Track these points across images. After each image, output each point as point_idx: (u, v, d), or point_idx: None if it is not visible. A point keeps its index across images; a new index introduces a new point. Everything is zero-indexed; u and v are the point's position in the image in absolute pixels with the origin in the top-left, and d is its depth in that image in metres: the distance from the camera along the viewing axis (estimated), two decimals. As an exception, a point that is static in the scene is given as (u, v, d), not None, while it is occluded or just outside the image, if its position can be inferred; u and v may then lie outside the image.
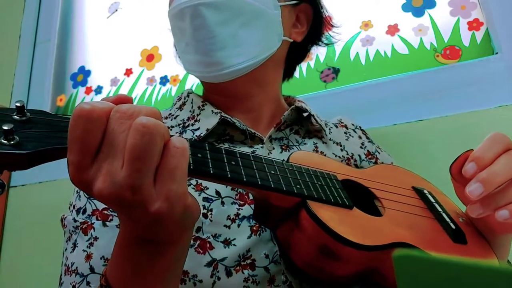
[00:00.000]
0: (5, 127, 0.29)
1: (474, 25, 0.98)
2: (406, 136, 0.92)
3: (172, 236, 0.36)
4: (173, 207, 0.32)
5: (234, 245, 0.50)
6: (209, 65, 0.60)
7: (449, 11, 1.01)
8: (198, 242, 0.50)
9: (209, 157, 0.37)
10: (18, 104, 0.31)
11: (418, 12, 1.03)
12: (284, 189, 0.42)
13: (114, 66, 1.33)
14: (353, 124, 0.78)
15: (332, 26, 0.77)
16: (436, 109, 0.91)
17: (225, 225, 0.51)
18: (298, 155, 0.51)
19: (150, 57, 1.29)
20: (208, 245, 0.50)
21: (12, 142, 0.30)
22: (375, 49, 1.04)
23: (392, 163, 0.75)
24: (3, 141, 0.30)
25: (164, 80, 1.25)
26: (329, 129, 0.71)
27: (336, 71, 1.06)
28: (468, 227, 0.53)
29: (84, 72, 1.37)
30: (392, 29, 1.04)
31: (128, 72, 1.30)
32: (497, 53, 0.93)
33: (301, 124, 0.69)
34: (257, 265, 0.49)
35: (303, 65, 1.08)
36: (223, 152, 0.40)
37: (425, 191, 0.58)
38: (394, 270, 0.19)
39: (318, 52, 1.08)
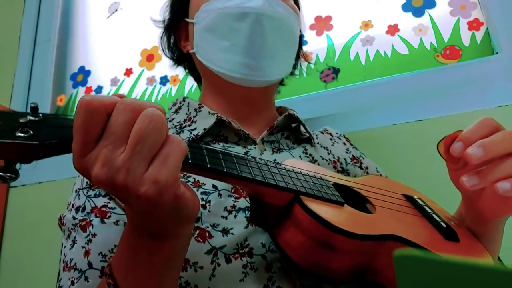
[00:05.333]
0: (21, 120, 0.34)
1: (474, 25, 0.98)
2: (406, 136, 0.92)
3: (168, 229, 0.38)
4: (161, 192, 0.34)
5: (232, 234, 0.52)
6: (254, 69, 0.65)
7: (449, 11, 1.01)
8: (197, 231, 0.52)
9: (206, 155, 0.40)
10: (32, 105, 0.35)
11: (418, 12, 1.03)
12: (277, 184, 0.43)
13: (114, 66, 1.33)
14: (337, 133, 0.82)
15: (307, 60, 0.88)
16: (436, 109, 0.91)
17: (222, 216, 0.53)
18: (290, 162, 0.53)
19: (150, 57, 1.29)
20: (207, 234, 0.52)
21: (26, 135, 0.34)
22: (375, 49, 1.04)
23: (376, 168, 0.77)
24: (19, 134, 0.33)
25: (164, 80, 1.25)
26: (316, 135, 0.75)
27: (336, 71, 1.06)
28: (460, 228, 0.54)
29: (84, 72, 1.37)
30: (392, 29, 1.04)
31: (128, 72, 1.30)
32: (497, 53, 0.93)
33: (291, 131, 0.73)
34: (254, 253, 0.51)
35: (303, 65, 1.08)
36: (219, 152, 0.42)
37: (415, 197, 0.60)
38: (395, 270, 0.19)
39: (318, 52, 1.08)
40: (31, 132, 0.34)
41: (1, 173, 0.34)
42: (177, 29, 0.77)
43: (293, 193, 0.44)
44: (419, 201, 0.59)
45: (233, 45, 0.64)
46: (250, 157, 0.45)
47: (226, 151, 0.43)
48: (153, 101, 1.24)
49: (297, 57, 0.82)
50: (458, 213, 0.60)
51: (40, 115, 0.35)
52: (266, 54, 0.64)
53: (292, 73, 0.82)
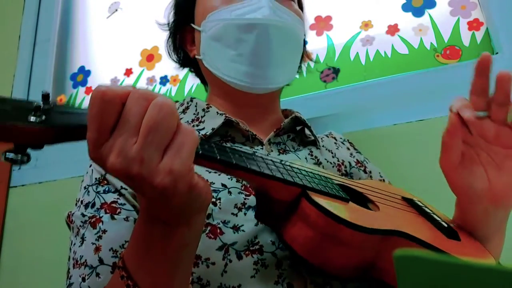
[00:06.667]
0: (34, 105, 0.34)
1: (474, 25, 0.98)
2: (406, 136, 0.92)
3: (181, 216, 0.39)
4: (176, 182, 0.34)
5: (242, 230, 0.53)
6: (258, 78, 0.66)
7: (449, 11, 1.01)
8: (209, 228, 0.52)
9: (214, 147, 0.41)
10: (44, 93, 0.36)
11: (418, 12, 1.03)
12: (284, 178, 0.44)
13: (114, 66, 1.33)
14: (341, 137, 0.82)
15: (310, 59, 0.89)
16: (436, 109, 0.91)
17: (232, 213, 0.54)
18: (295, 162, 0.53)
19: (150, 57, 1.29)
20: (218, 230, 0.52)
21: (38, 120, 0.34)
22: (375, 49, 1.04)
23: (379, 173, 0.77)
24: (32, 118, 0.34)
25: (164, 80, 1.25)
26: (321, 138, 0.76)
27: (336, 71, 1.06)
28: (460, 230, 0.55)
29: (84, 72, 1.37)
30: (392, 29, 1.04)
31: (128, 72, 1.30)
32: (497, 53, 0.93)
33: (297, 133, 0.73)
34: (265, 250, 0.52)
35: (303, 65, 1.08)
36: (227, 147, 0.43)
37: (415, 199, 0.61)
38: (395, 270, 0.19)
39: (318, 52, 1.08)
40: (44, 117, 0.34)
41: (12, 155, 0.34)
42: (183, 31, 0.77)
43: (299, 187, 0.45)
44: (419, 202, 0.59)
45: (239, 55, 0.65)
46: (257, 154, 0.46)
47: (233, 147, 0.44)
48: (153, 101, 1.24)
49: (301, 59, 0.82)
50: (455, 220, 0.60)
51: (51, 103, 0.36)
52: (272, 63, 0.65)
53: None
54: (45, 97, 0.36)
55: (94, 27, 1.41)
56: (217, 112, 0.66)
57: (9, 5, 1.52)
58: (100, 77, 1.34)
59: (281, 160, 0.50)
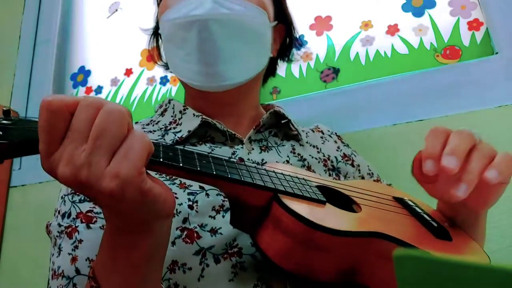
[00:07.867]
0: None
1: (474, 25, 0.98)
2: (406, 136, 0.92)
3: (142, 224, 0.38)
4: (124, 186, 0.33)
5: (220, 233, 0.51)
6: (210, 76, 0.64)
7: (449, 11, 1.01)
8: (185, 232, 0.51)
9: (179, 154, 0.40)
10: (4, 109, 0.36)
11: (418, 12, 1.03)
12: (254, 182, 0.42)
13: (114, 66, 1.33)
14: (328, 130, 0.81)
15: (300, 45, 0.84)
16: (436, 109, 0.91)
17: (210, 216, 0.53)
18: (272, 165, 0.52)
19: (150, 57, 1.29)
20: (195, 234, 0.51)
21: None
22: (375, 49, 1.04)
23: (368, 166, 0.76)
24: None
25: (164, 80, 1.25)
26: (306, 133, 0.75)
27: (336, 71, 1.06)
28: (453, 228, 0.53)
29: (84, 72, 1.37)
30: (392, 29, 1.04)
31: (128, 72, 1.30)
32: (497, 53, 0.93)
33: (280, 128, 0.72)
34: (243, 253, 0.51)
35: (303, 65, 1.08)
36: (195, 153, 0.42)
37: (405, 199, 0.58)
38: (394, 270, 0.19)
39: (318, 52, 1.08)
40: (0, 133, 0.35)
41: None
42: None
43: (271, 191, 0.43)
44: (409, 202, 0.57)
45: (187, 55, 0.64)
46: (228, 158, 0.45)
47: (203, 153, 0.43)
48: (153, 101, 1.24)
49: (284, 51, 0.80)
50: (440, 211, 0.59)
51: (12, 118, 0.36)
52: (221, 59, 0.63)
53: (272, 71, 0.80)
54: (6, 113, 0.36)
55: (94, 27, 1.41)
56: (194, 114, 0.66)
57: (9, 5, 1.52)
58: (100, 77, 1.34)
59: (255, 164, 0.49)
